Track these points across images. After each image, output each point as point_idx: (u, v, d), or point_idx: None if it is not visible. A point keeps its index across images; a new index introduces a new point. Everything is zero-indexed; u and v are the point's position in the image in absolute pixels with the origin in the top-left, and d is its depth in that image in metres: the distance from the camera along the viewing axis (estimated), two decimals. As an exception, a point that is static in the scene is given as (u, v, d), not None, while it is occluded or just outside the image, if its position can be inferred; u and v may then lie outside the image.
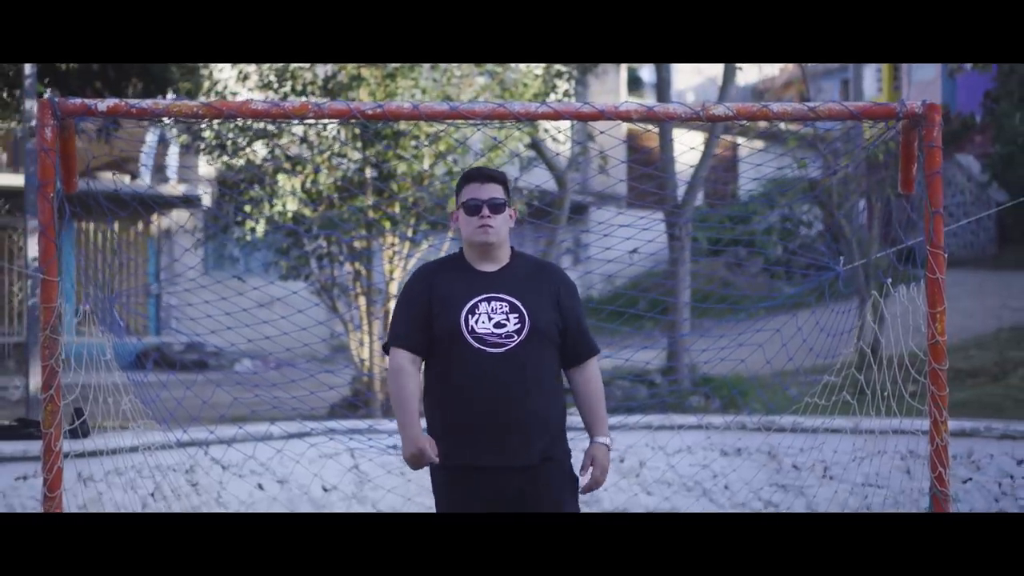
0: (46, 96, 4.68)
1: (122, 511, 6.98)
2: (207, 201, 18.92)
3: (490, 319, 4.11)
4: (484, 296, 4.14)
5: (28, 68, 11.01)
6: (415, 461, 4.09)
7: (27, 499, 7.19)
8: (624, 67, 22.98)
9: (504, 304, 4.14)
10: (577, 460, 4.26)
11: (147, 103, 4.89)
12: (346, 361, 12.14)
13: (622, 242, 7.32)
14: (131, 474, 7.20)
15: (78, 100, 4.81)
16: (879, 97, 29.34)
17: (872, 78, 29.76)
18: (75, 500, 6.66)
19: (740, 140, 19.30)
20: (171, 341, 18.16)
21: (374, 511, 8.37)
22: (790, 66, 27.30)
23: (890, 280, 5.61)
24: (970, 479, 7.85)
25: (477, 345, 4.08)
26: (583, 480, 4.21)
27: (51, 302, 4.77)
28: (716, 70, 23.15)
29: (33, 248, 10.99)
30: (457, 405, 4.09)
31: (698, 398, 11.10)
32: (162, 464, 7.45)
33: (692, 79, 32.97)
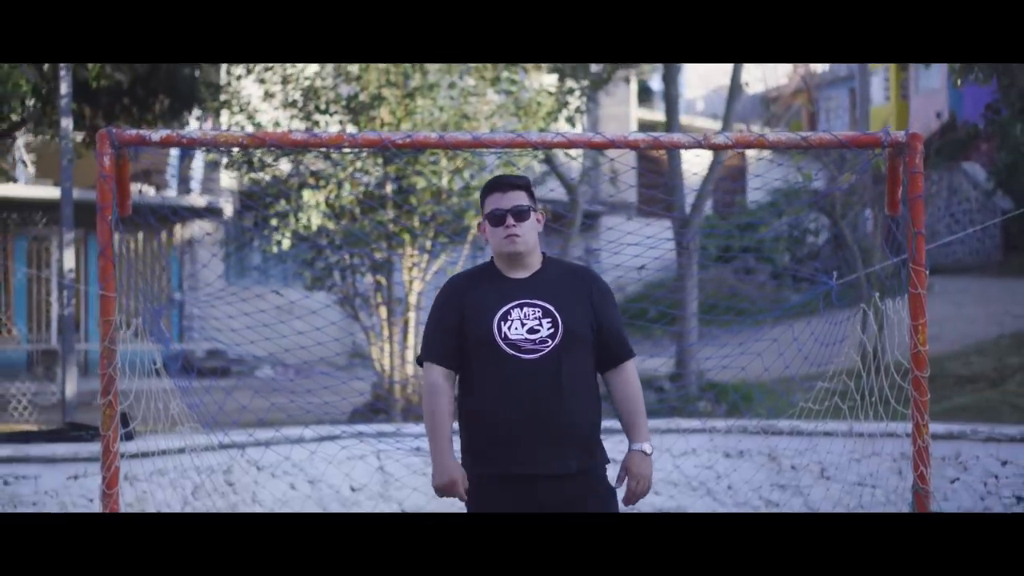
0: (104, 128, 5.11)
1: (167, 508, 7.48)
2: (228, 212, 19.42)
3: (523, 324, 3.99)
4: (516, 303, 4.03)
5: (64, 87, 11.46)
6: (444, 491, 4.00)
7: (78, 497, 7.68)
8: (634, 79, 23.35)
9: (537, 309, 4.02)
10: (615, 469, 4.12)
11: (196, 133, 5.22)
12: (367, 368, 12.59)
13: (631, 259, 7.62)
14: (173, 474, 7.67)
15: (134, 131, 5.12)
16: (886, 105, 29.69)
17: (879, 87, 30.07)
18: (123, 498, 7.16)
19: (748, 151, 19.68)
20: (194, 348, 18.64)
21: (400, 509, 8.84)
22: (798, 75, 27.66)
23: (878, 294, 5.96)
24: (957, 479, 8.28)
25: (511, 351, 3.96)
26: (620, 492, 4.12)
27: (109, 315, 5.20)
28: (724, 80, 23.53)
29: (68, 259, 11.46)
30: (493, 412, 3.98)
31: (704, 403, 11.53)
32: (202, 465, 7.92)
33: (700, 89, 33.35)
